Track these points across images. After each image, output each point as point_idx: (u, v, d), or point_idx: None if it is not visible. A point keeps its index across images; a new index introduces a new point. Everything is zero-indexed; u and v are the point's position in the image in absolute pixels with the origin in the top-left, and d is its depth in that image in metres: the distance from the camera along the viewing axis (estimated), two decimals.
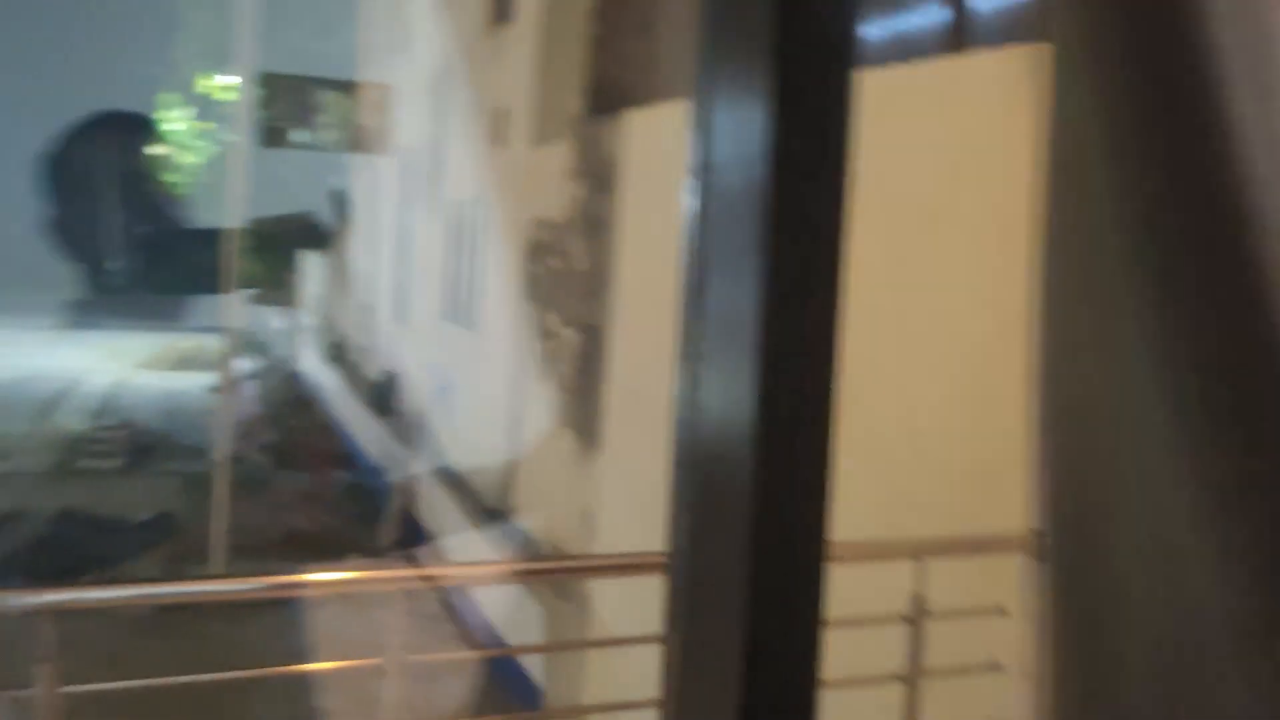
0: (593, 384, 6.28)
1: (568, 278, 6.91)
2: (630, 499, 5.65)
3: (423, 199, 11.90)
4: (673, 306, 0.69)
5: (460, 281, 10.03)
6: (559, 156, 7.13)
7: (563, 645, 6.06)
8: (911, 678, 3.02)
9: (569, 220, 6.88)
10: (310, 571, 2.98)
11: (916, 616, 3.01)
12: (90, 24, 37.31)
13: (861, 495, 3.57)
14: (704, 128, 0.73)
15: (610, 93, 6.76)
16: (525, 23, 8.26)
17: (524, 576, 5.15)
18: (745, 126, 0.69)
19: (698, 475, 0.70)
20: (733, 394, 0.67)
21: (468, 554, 7.62)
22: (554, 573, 4.79)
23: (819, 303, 0.68)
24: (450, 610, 6.95)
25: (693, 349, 0.70)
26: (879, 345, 3.49)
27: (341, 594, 4.19)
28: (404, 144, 13.22)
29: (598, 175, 6.47)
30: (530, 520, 7.25)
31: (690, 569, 0.71)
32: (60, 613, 2.23)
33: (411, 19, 13.01)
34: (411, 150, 12.69)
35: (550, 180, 7.26)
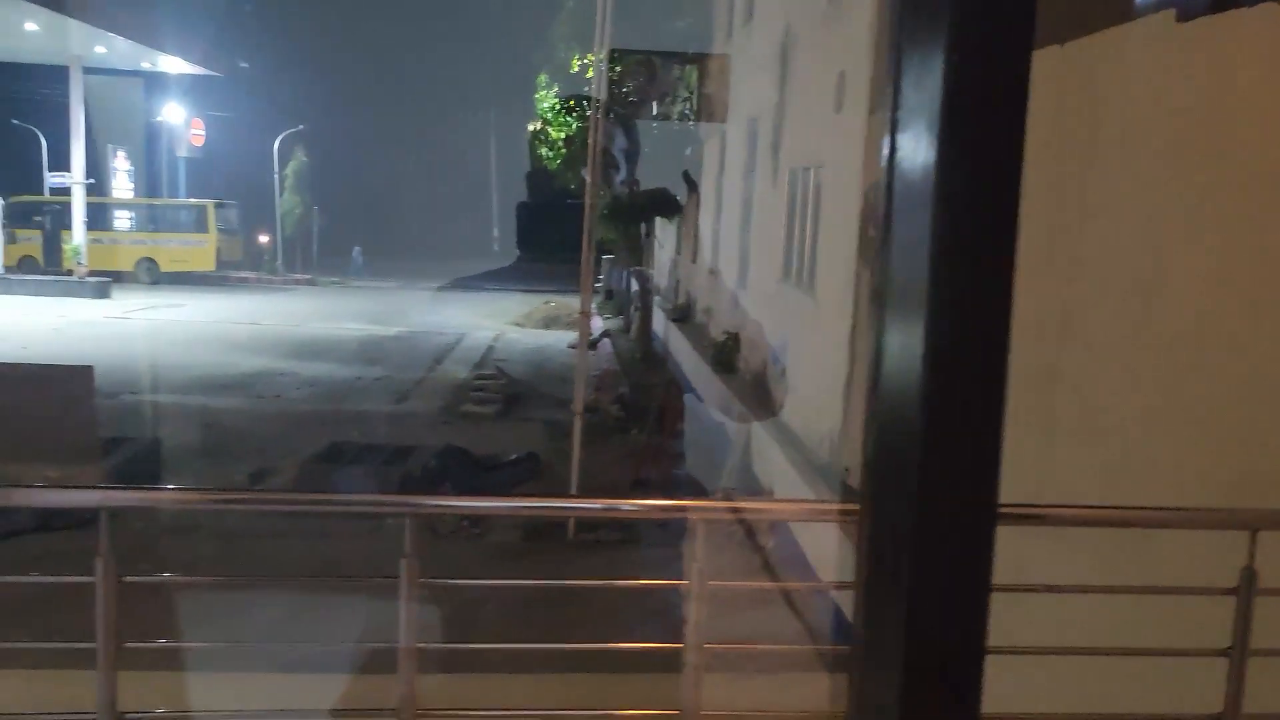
0: None
1: None
2: None
3: (765, 167, 12.25)
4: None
5: (798, 246, 10.29)
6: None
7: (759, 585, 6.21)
8: (1238, 653, 2.94)
9: None
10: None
11: (1246, 590, 2.91)
12: (484, 15, 40.98)
13: (1197, 466, 3.46)
14: (890, 100, 0.84)
15: None
16: None
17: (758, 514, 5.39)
18: (924, 96, 0.80)
19: (882, 432, 0.70)
20: (907, 354, 0.68)
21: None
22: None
23: (989, 270, 0.68)
24: (766, 547, 7.32)
25: (879, 313, 0.77)
26: (1226, 315, 3.35)
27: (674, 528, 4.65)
28: (747, 114, 13.63)
29: None
30: (857, 478, 7.42)
31: (872, 521, 0.71)
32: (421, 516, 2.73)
33: None
34: (755, 120, 13.07)
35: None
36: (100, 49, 26.21)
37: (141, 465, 10.36)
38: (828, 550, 6.27)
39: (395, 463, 10.46)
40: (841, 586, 3.01)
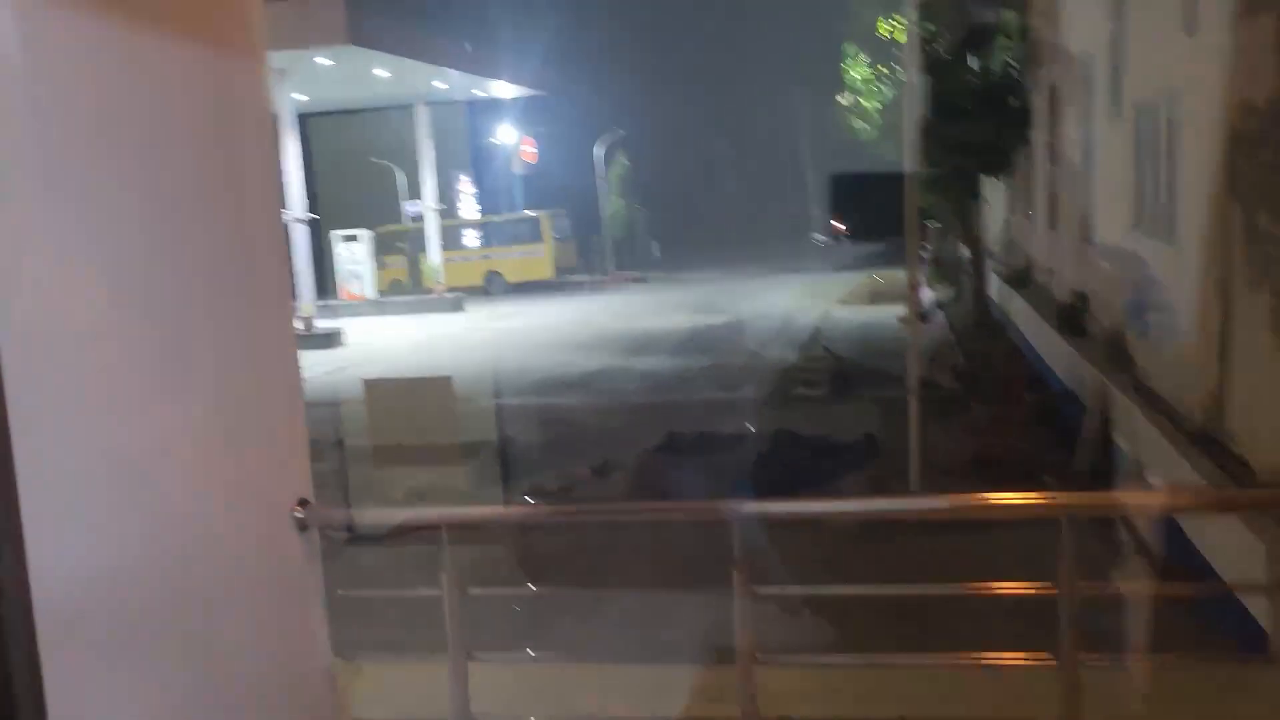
0: None
1: None
2: None
3: (1104, 108, 11.12)
4: None
5: (1152, 191, 9.24)
6: (1267, 29, 6.20)
7: (1144, 587, 5.35)
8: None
9: None
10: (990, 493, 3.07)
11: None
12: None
13: None
14: None
15: None
16: None
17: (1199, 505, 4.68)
18: None
19: None
20: None
21: (1171, 480, 7.08)
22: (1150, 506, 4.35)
23: None
24: (1146, 540, 6.56)
25: None
26: None
27: (1024, 518, 4.20)
28: (1079, 53, 12.44)
29: None
30: (1248, 445, 6.49)
31: None
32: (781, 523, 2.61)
33: None
34: (1088, 58, 11.91)
35: (1257, 60, 6.34)
36: (440, 84, 28.62)
37: (498, 465, 11.13)
38: (1226, 541, 5.52)
39: (729, 450, 10.52)
40: (1247, 589, 2.56)
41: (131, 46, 1.85)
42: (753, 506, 2.64)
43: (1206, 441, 6.81)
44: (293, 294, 22.09)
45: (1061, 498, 2.67)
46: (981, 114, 14.96)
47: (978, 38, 14.80)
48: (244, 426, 1.97)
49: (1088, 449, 9.29)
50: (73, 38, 1.71)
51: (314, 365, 19.36)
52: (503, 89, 31.44)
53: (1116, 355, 10.00)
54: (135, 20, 1.87)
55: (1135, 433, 8.29)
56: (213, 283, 1.99)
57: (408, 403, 10.53)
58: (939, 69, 14.80)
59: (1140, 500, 4.71)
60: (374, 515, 2.14)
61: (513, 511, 3.99)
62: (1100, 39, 11.01)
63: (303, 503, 2.03)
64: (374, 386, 10.99)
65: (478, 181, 39.23)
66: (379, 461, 10.56)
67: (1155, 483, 7.56)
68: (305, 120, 27.90)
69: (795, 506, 3.77)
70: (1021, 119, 15.70)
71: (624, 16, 43.28)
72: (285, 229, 2.34)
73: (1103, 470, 8.96)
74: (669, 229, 38.55)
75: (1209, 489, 5.70)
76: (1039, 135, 15.57)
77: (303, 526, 2.01)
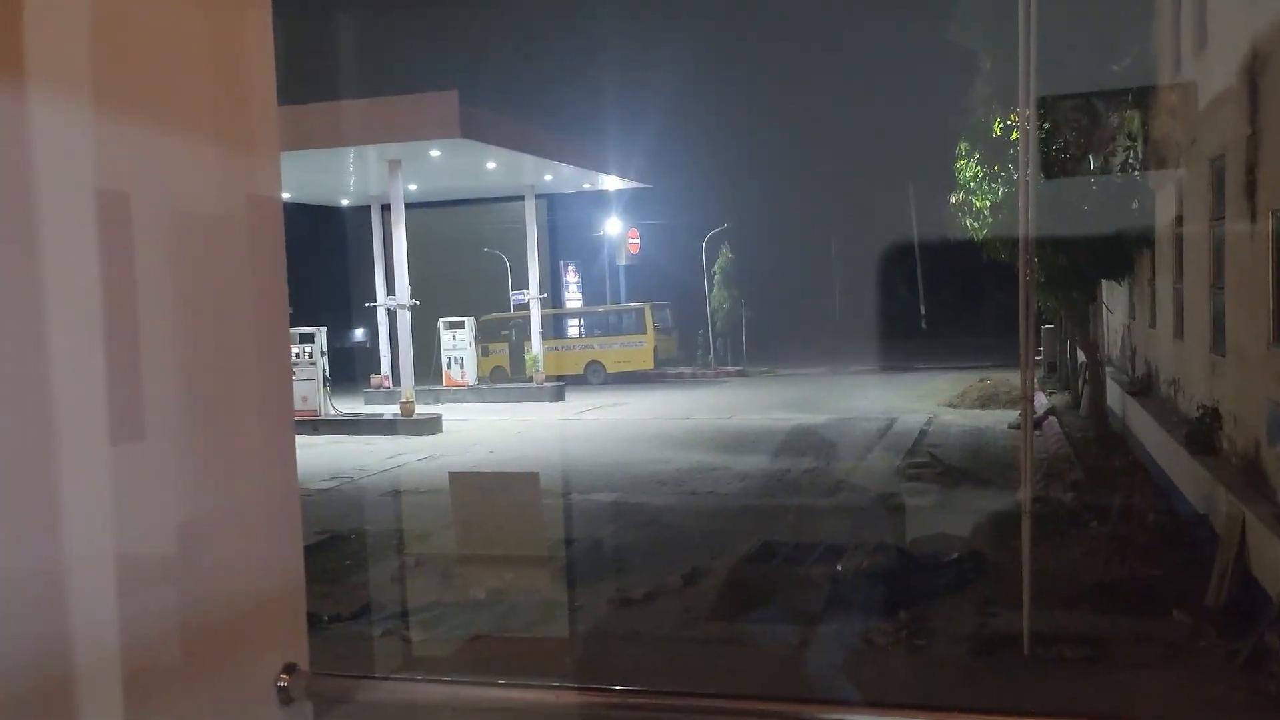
0: None
1: None
2: None
3: (1237, 211, 10.46)
4: None
5: None
6: None
7: None
8: None
9: None
10: None
11: None
12: (896, 89, 40.72)
13: None
14: None
15: None
16: None
17: None
18: None
19: None
20: None
21: None
22: None
23: None
24: None
25: None
26: None
27: None
28: (1209, 153, 11.82)
29: None
30: None
31: None
32: None
33: (1213, 9, 11.65)
34: (1219, 159, 11.29)
35: None
36: (548, 177, 29.14)
37: (584, 564, 10.77)
38: None
39: (827, 562, 9.95)
40: None
41: (144, 139, 1.71)
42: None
43: None
44: (394, 380, 22.33)
45: None
46: (1102, 215, 14.35)
47: (1098, 137, 14.27)
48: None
49: (1223, 582, 8.46)
50: (82, 130, 1.60)
51: (410, 451, 19.41)
52: (610, 182, 31.87)
53: (1253, 478, 9.19)
54: (148, 113, 1.72)
55: (1278, 569, 7.49)
56: (206, 393, 1.75)
57: (493, 497, 10.29)
58: (1055, 167, 14.28)
59: None
60: (387, 689, 1.83)
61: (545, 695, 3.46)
62: (1234, 139, 10.41)
63: (289, 669, 1.71)
64: (459, 479, 10.80)
65: (583, 272, 39.68)
66: (461, 558, 10.31)
67: None
68: (417, 208, 28.63)
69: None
70: (1144, 221, 15.02)
71: (733, 113, 43.76)
72: (287, 343, 2.07)
73: (1239, 609, 8.13)
74: (773, 323, 38.20)
75: None
76: (1163, 239, 14.84)
77: (287, 699, 1.69)
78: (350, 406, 25.67)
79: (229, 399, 1.81)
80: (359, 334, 36.18)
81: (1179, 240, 13.73)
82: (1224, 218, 11.13)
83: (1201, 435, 11.09)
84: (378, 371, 28.34)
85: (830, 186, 43.79)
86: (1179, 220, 13.65)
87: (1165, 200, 14.53)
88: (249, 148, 1.88)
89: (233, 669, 1.68)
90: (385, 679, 1.81)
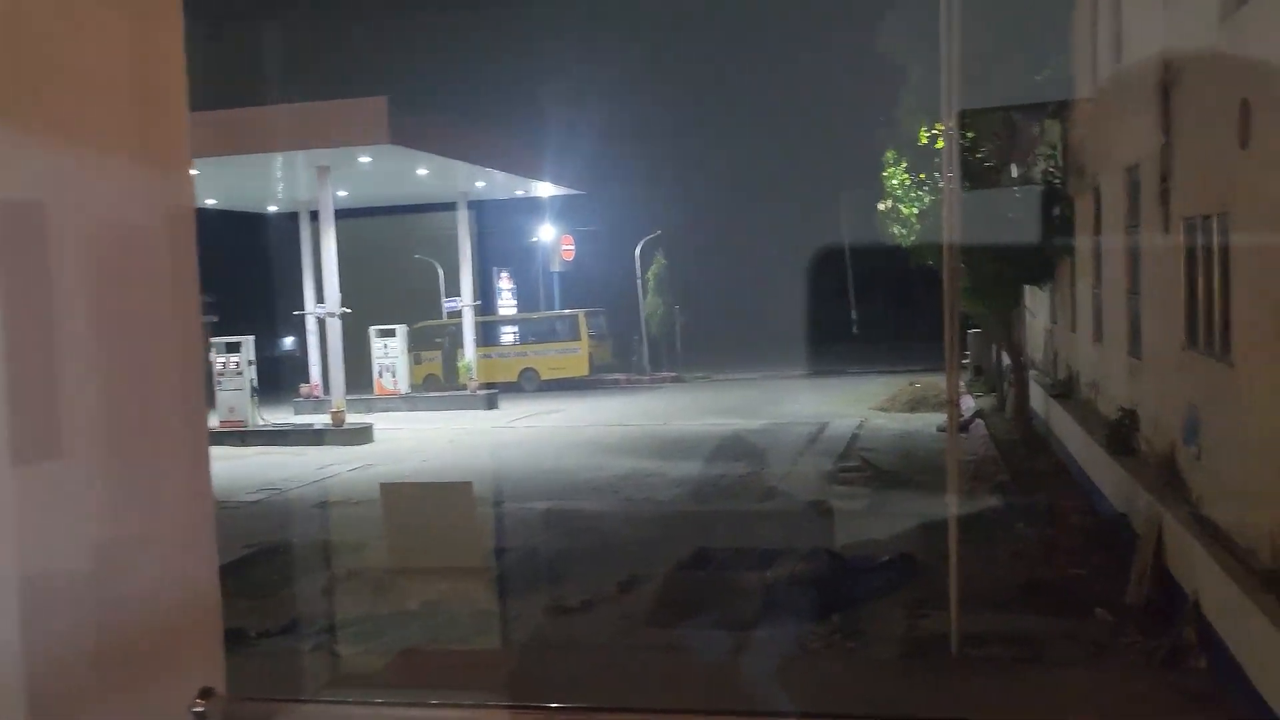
0: None
1: None
2: None
3: (1152, 219, 10.78)
4: None
5: (1204, 307, 8.82)
6: None
7: None
8: None
9: None
10: None
11: None
12: (825, 99, 41.22)
13: None
14: None
15: None
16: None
17: None
18: None
19: None
20: None
21: (1238, 627, 6.52)
22: None
23: None
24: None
25: None
26: None
27: None
28: (1124, 163, 12.17)
29: None
30: None
31: None
32: None
33: (1128, 24, 12.00)
34: (1134, 169, 11.63)
35: None
36: (481, 183, 28.96)
37: (519, 573, 10.71)
38: None
39: (760, 568, 10.02)
40: None
41: (51, 150, 1.67)
42: None
43: (1277, 584, 6.26)
44: (325, 389, 21.86)
45: None
46: (1024, 223, 14.69)
47: (1019, 146, 14.61)
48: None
49: (1142, 581, 8.70)
50: None
51: (341, 461, 19.13)
52: (544, 188, 31.77)
53: (1170, 478, 9.46)
54: (55, 124, 1.68)
55: (1193, 567, 7.72)
56: (118, 407, 1.70)
57: (425, 507, 10.19)
58: (979, 176, 14.59)
59: None
60: (309, 713, 1.78)
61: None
62: (1147, 150, 10.73)
63: (205, 694, 1.67)
64: (390, 490, 10.67)
65: (517, 278, 39.47)
66: (393, 569, 10.18)
67: (1220, 626, 6.98)
68: (347, 216, 28.24)
69: None
70: (1065, 228, 15.40)
71: (666, 120, 43.95)
72: (202, 355, 2.03)
73: (1158, 606, 8.37)
74: (706, 328, 38.39)
75: None
76: (1082, 245, 15.23)
77: None
78: (279, 416, 25.21)
79: (141, 413, 1.76)
80: (288, 343, 35.58)
81: (1097, 247, 14.11)
82: (1139, 225, 11.47)
83: (1121, 437, 11.39)
84: (307, 380, 27.88)
85: (763, 194, 44.18)
86: (1097, 227, 14.02)
87: (1084, 208, 14.92)
88: (159, 156, 1.84)
89: (145, 694, 1.64)
90: (307, 701, 1.78)
